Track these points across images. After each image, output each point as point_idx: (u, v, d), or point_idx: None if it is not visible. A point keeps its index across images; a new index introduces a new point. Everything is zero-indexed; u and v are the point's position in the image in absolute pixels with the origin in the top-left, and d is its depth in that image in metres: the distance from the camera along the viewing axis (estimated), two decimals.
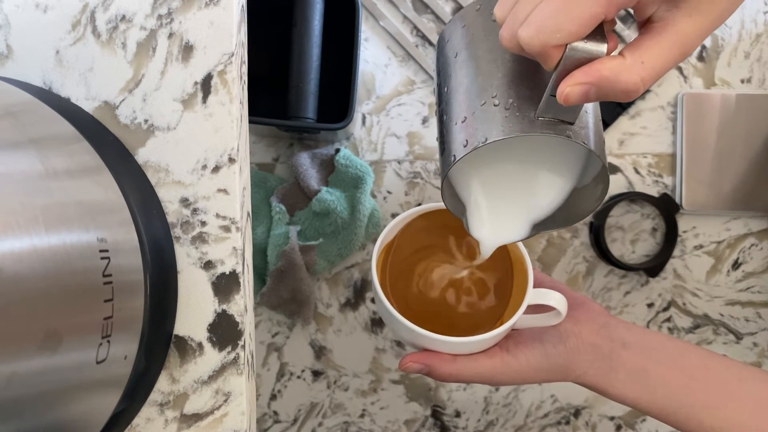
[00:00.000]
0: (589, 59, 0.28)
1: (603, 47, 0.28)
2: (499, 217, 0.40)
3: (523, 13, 0.29)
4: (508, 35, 0.30)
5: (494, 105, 0.33)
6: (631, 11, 0.30)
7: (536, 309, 0.44)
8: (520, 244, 0.44)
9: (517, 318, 0.42)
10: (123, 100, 0.36)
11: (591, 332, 0.44)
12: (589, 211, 0.37)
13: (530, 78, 0.32)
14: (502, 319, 0.46)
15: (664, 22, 0.28)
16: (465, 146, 0.33)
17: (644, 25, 0.29)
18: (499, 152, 0.38)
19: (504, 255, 0.47)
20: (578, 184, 0.39)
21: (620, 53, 0.29)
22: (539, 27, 0.28)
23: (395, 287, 0.46)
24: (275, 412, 0.59)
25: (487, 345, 0.44)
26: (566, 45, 0.28)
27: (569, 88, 0.29)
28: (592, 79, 0.28)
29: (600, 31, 0.28)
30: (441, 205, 0.43)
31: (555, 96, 0.30)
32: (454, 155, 0.34)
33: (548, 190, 0.40)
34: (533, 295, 0.43)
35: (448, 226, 0.46)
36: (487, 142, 0.32)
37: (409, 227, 0.46)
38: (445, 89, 0.37)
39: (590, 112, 0.35)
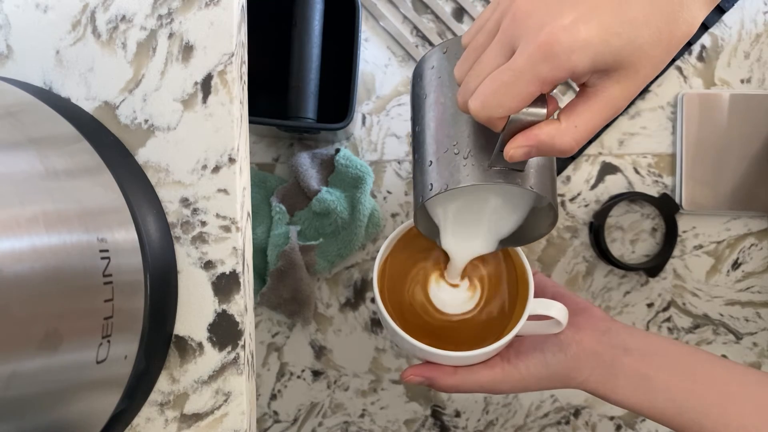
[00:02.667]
0: (530, 123, 0.32)
1: (542, 112, 0.32)
2: (468, 238, 0.45)
3: (473, 84, 0.33)
4: (461, 102, 0.34)
5: (455, 153, 0.38)
6: None
7: (539, 315, 0.44)
8: (522, 254, 0.45)
9: (518, 329, 0.43)
10: (123, 100, 0.36)
11: (592, 339, 0.44)
12: (543, 234, 0.43)
13: (485, 131, 0.37)
14: (506, 329, 0.45)
15: (595, 88, 0.32)
16: (430, 190, 0.39)
17: (581, 87, 0.33)
18: (463, 195, 0.44)
19: (508, 264, 0.47)
20: (537, 204, 0.44)
21: (558, 116, 0.33)
22: (484, 102, 0.32)
23: (395, 299, 0.46)
24: (275, 412, 0.59)
25: (488, 357, 0.44)
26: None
27: (512, 150, 0.33)
28: (532, 142, 0.32)
29: (541, 98, 0.32)
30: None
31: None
32: (422, 196, 0.40)
33: (507, 217, 0.45)
34: (534, 305, 0.43)
35: None
36: (448, 189, 0.38)
37: (405, 239, 0.46)
38: (417, 129, 0.42)
39: (542, 158, 0.39)
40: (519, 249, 0.45)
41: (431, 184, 0.39)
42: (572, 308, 0.46)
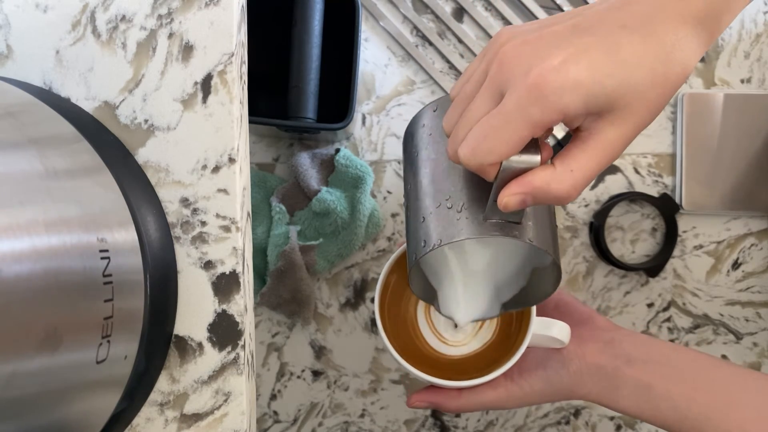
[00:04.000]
0: (524, 170, 0.31)
1: (536, 158, 0.31)
2: (468, 301, 0.43)
3: (462, 132, 0.32)
4: (452, 151, 0.33)
5: (447, 208, 0.36)
6: None
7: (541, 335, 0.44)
8: None
9: (522, 352, 0.42)
10: (123, 100, 0.36)
11: (595, 352, 0.44)
12: (548, 293, 0.41)
13: (478, 182, 0.35)
14: (510, 350, 0.45)
15: (590, 131, 0.30)
16: (424, 246, 0.37)
17: (574, 132, 0.32)
18: (459, 251, 0.42)
19: None
20: (539, 264, 0.42)
21: (552, 162, 0.31)
22: (474, 149, 0.31)
23: (396, 327, 0.46)
24: (275, 412, 0.59)
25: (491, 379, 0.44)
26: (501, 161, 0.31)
27: (506, 198, 0.31)
28: (527, 189, 0.31)
29: (534, 144, 0.31)
30: None
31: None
32: (415, 254, 0.38)
33: (508, 278, 0.43)
34: (537, 326, 0.43)
35: None
36: (441, 244, 0.35)
37: (400, 263, 0.46)
38: (408, 187, 0.40)
39: (540, 208, 0.37)
40: None
41: (424, 241, 0.37)
42: (575, 318, 0.46)
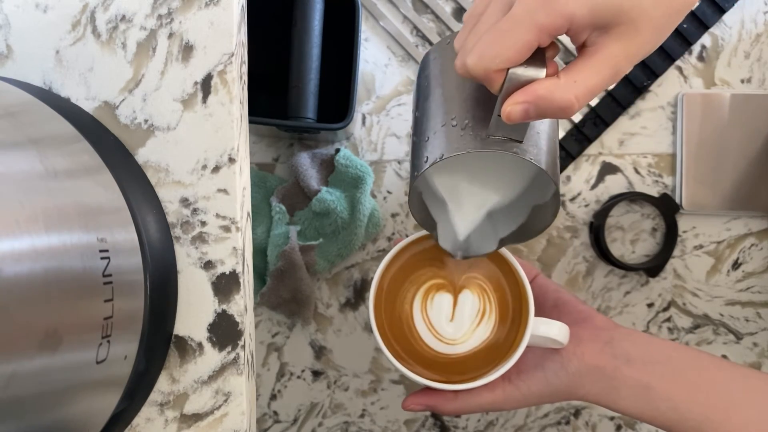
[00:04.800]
0: (529, 81, 0.31)
1: (542, 71, 0.31)
2: (467, 231, 0.43)
3: (470, 43, 0.32)
4: (460, 63, 0.33)
5: (452, 126, 0.36)
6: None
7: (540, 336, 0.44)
8: (521, 272, 0.44)
9: (520, 353, 0.42)
10: (123, 100, 0.36)
11: (594, 353, 0.44)
12: (546, 225, 0.41)
13: (484, 102, 0.35)
14: (508, 350, 0.45)
15: (596, 46, 0.31)
16: (426, 162, 0.37)
17: (580, 49, 0.32)
18: (461, 170, 0.42)
19: (509, 282, 0.46)
20: (539, 200, 0.42)
21: (556, 75, 0.32)
22: (480, 55, 0.31)
23: (392, 324, 0.46)
24: (275, 412, 0.59)
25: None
26: (508, 70, 0.31)
27: (510, 107, 0.32)
28: (530, 98, 0.31)
29: (540, 58, 0.31)
30: (416, 236, 0.45)
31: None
32: (417, 170, 0.38)
33: (507, 210, 0.43)
34: (535, 326, 0.43)
35: (432, 256, 0.46)
36: (444, 158, 0.36)
37: (395, 263, 0.45)
38: (417, 114, 0.41)
39: (543, 133, 0.37)
40: (518, 266, 0.44)
41: (426, 157, 0.37)
42: (574, 317, 0.46)
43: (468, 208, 0.43)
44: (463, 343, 0.44)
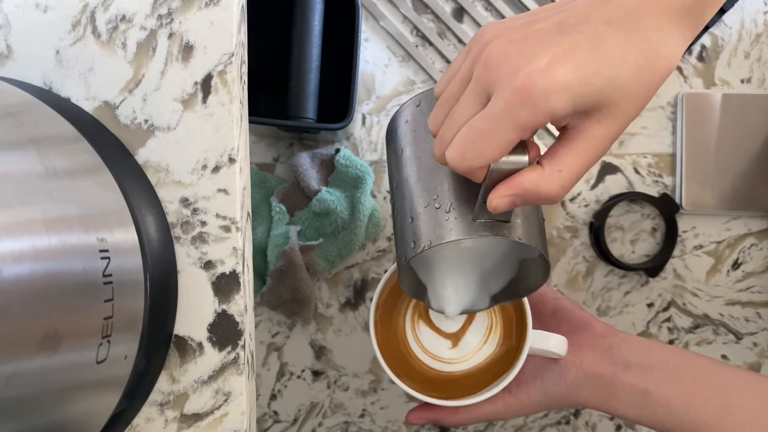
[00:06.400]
0: (512, 171, 0.31)
1: (524, 159, 0.31)
2: (458, 295, 0.43)
3: (449, 134, 0.32)
4: (439, 153, 0.33)
5: (435, 208, 0.36)
6: None
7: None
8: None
9: (519, 367, 0.42)
10: (123, 100, 0.36)
11: (592, 361, 0.44)
12: (537, 286, 0.41)
13: (466, 181, 0.34)
14: (508, 365, 0.45)
15: (577, 129, 0.30)
16: (413, 247, 0.37)
17: (561, 131, 0.31)
18: (449, 247, 0.42)
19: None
20: (527, 255, 0.42)
21: (539, 162, 0.31)
22: (462, 153, 0.31)
23: (389, 341, 0.46)
24: (275, 412, 0.59)
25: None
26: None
27: (496, 201, 0.31)
28: (516, 191, 0.31)
29: (521, 145, 0.30)
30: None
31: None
32: (405, 255, 0.38)
33: (497, 271, 0.43)
34: (533, 339, 0.43)
35: None
36: (432, 246, 0.36)
37: (392, 282, 0.45)
38: (395, 185, 0.40)
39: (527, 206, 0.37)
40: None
41: (413, 242, 0.37)
42: (573, 324, 0.46)
43: (457, 281, 0.43)
44: (466, 361, 0.45)
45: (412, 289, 0.43)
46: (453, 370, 0.45)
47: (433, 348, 0.45)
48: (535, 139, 0.37)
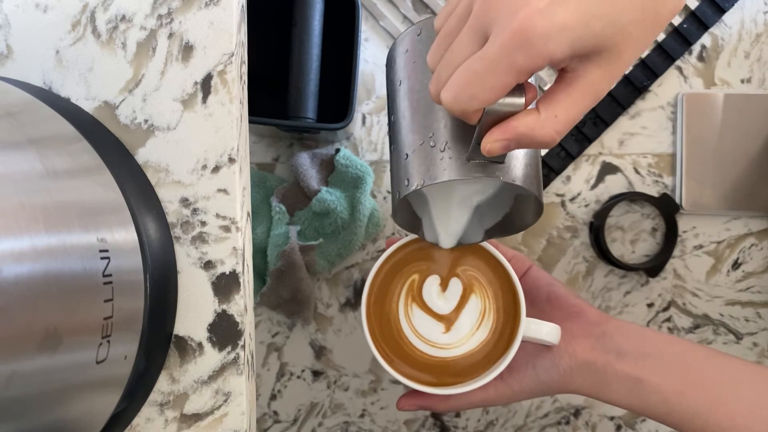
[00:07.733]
0: (507, 114, 0.30)
1: (520, 101, 0.30)
2: (452, 227, 0.43)
3: (445, 73, 0.31)
4: (434, 93, 0.32)
5: (431, 146, 0.36)
6: None
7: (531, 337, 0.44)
8: (512, 272, 0.43)
9: (511, 356, 0.42)
10: (123, 100, 0.36)
11: (585, 349, 0.44)
12: (530, 224, 0.41)
13: (463, 121, 0.34)
14: (500, 352, 0.44)
15: (575, 72, 0.30)
16: (407, 185, 0.37)
17: (559, 73, 0.31)
18: (444, 184, 0.41)
19: (502, 282, 0.45)
20: (522, 192, 0.41)
21: (536, 106, 0.30)
22: (456, 95, 0.30)
23: (381, 326, 0.46)
24: (275, 412, 0.59)
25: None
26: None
27: (490, 144, 0.31)
28: (510, 135, 0.30)
29: (518, 87, 0.30)
30: (404, 241, 0.45)
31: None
32: (399, 191, 0.38)
33: (491, 208, 0.43)
34: (526, 327, 0.43)
35: (422, 255, 0.45)
36: (425, 185, 0.36)
37: (386, 266, 0.45)
38: (392, 118, 0.40)
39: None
40: (509, 266, 0.43)
41: (407, 180, 0.37)
42: (567, 311, 0.46)
43: (453, 212, 0.43)
44: (459, 347, 0.45)
45: (406, 222, 0.43)
46: (446, 356, 0.44)
47: (426, 332, 0.45)
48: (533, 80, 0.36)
